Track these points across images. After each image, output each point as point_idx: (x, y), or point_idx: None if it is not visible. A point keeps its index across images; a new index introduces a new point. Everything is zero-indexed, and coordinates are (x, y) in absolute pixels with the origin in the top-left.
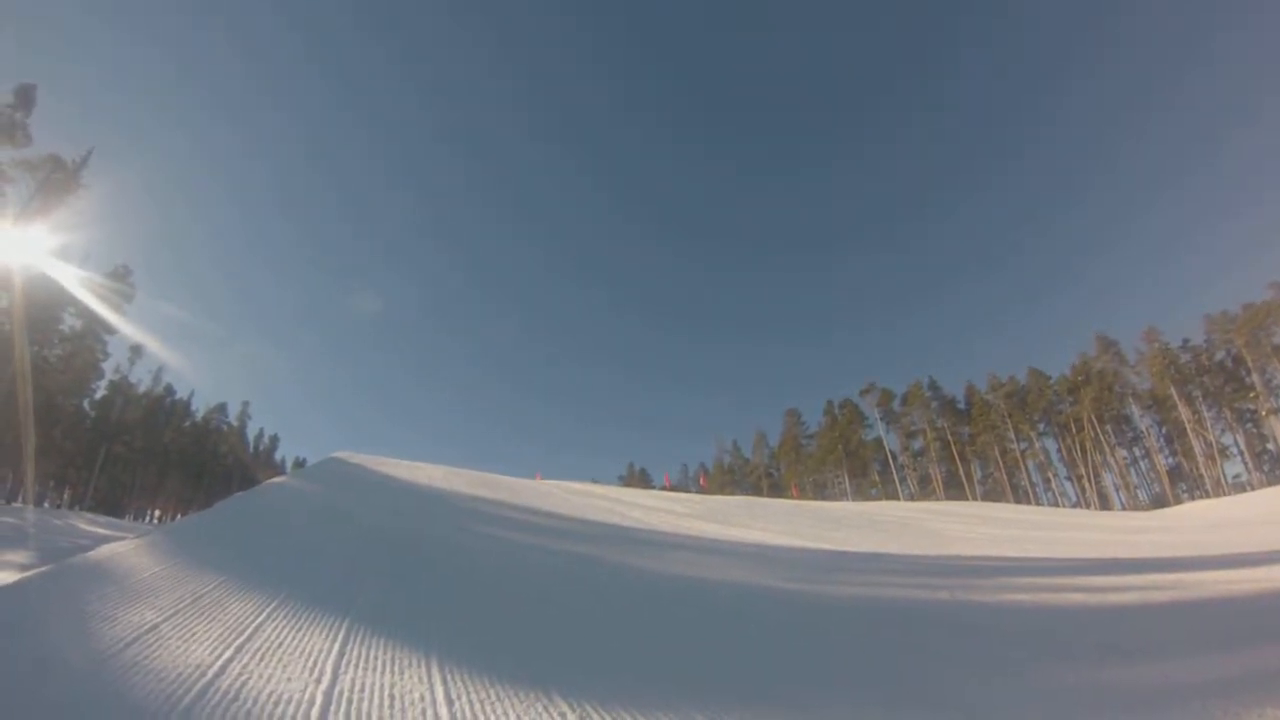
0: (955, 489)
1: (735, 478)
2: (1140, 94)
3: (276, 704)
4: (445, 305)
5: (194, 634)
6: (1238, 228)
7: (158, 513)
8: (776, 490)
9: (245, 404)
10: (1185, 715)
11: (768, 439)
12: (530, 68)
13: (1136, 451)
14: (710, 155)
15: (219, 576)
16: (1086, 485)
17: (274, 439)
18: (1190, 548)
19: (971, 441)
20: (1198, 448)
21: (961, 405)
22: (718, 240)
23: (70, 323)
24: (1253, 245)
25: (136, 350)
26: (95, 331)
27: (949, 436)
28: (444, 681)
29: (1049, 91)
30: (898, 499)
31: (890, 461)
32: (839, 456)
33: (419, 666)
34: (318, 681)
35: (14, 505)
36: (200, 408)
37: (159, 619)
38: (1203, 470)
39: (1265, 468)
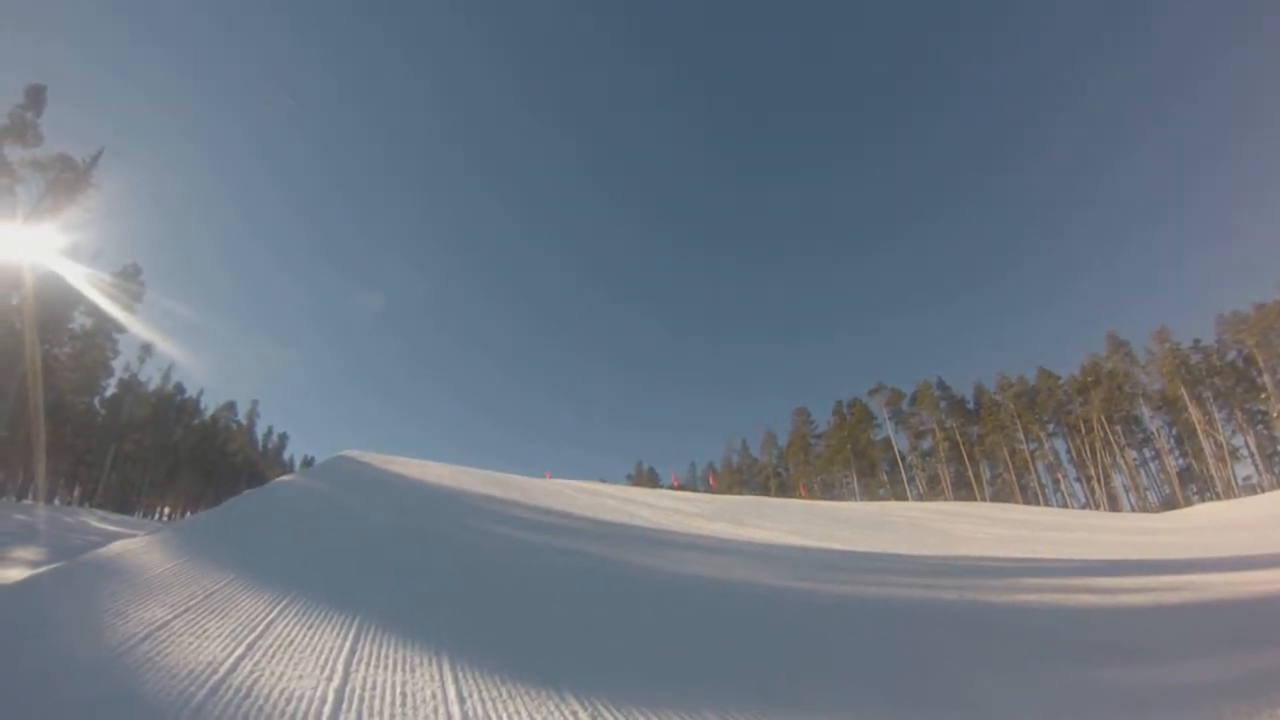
0: (964, 489)
1: (744, 477)
2: (1154, 94)
3: (289, 701)
4: (453, 304)
5: (206, 631)
6: (1250, 228)
7: (167, 510)
8: (785, 490)
9: (254, 402)
10: (1196, 716)
11: (776, 439)
12: (536, 70)
13: (1146, 453)
14: (719, 154)
15: (229, 574)
16: (1096, 486)
17: (283, 437)
18: (1200, 549)
19: (980, 442)
20: (1208, 449)
21: (970, 405)
22: (727, 239)
23: (81, 321)
24: (1265, 245)
25: (146, 349)
26: (105, 330)
27: (958, 437)
28: (455, 679)
29: (1062, 90)
30: (906, 499)
31: (899, 461)
32: (847, 456)
33: (430, 664)
34: (329, 679)
35: (25, 502)
36: (209, 406)
37: (170, 616)
38: (1213, 472)
39: (1276, 469)
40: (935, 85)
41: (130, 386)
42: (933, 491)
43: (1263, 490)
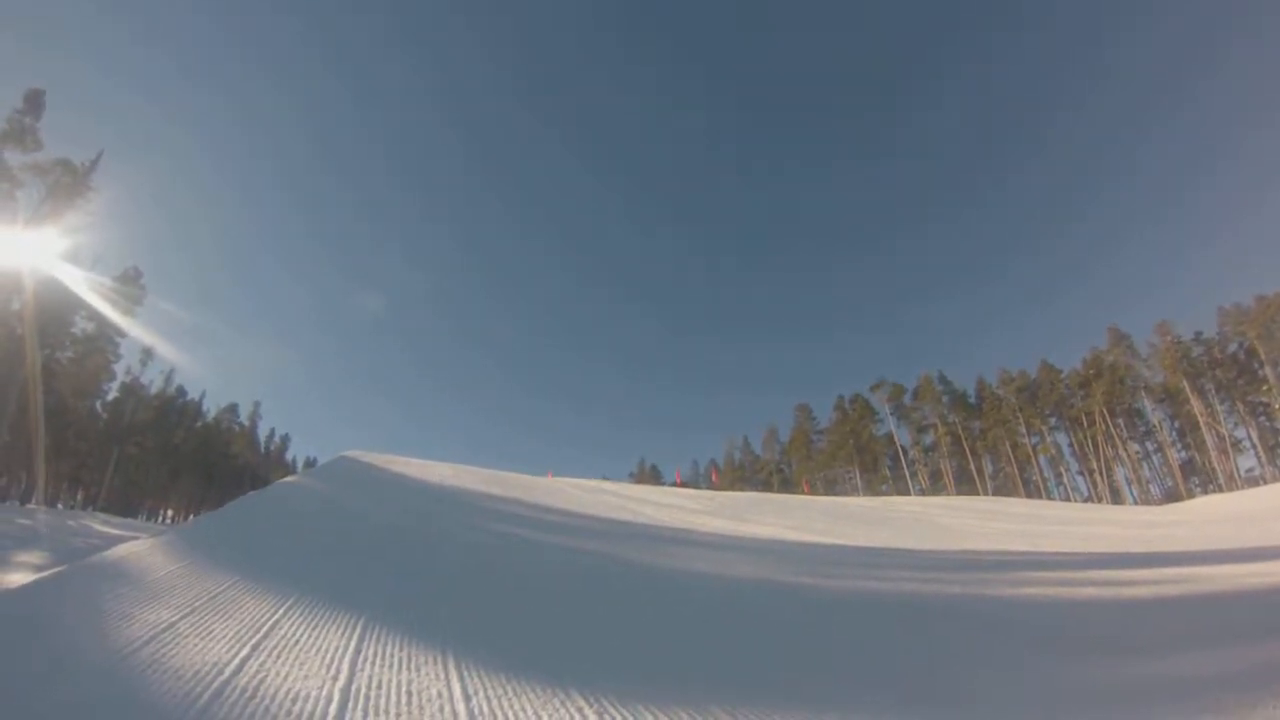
0: (966, 484)
1: (746, 474)
2: (1154, 93)
3: (294, 701)
4: (455, 304)
5: (211, 632)
6: (1251, 222)
7: (170, 513)
8: (787, 486)
9: (256, 404)
10: (1198, 707)
11: (778, 435)
12: (537, 69)
13: (1149, 445)
14: (720, 153)
15: (233, 575)
16: (1098, 480)
17: (285, 438)
18: (1203, 542)
19: (982, 436)
20: (1210, 441)
21: (972, 400)
22: (728, 237)
23: (82, 325)
24: (1266, 238)
25: (148, 352)
26: (107, 334)
27: (960, 431)
28: (460, 677)
29: (1063, 90)
30: (908, 494)
31: (901, 456)
32: (850, 452)
33: (435, 663)
34: (335, 679)
35: (28, 506)
36: (211, 408)
37: (175, 617)
38: (1215, 464)
39: (1278, 461)
40: (936, 85)
41: (132, 390)
42: (935, 486)
43: (1265, 482)
